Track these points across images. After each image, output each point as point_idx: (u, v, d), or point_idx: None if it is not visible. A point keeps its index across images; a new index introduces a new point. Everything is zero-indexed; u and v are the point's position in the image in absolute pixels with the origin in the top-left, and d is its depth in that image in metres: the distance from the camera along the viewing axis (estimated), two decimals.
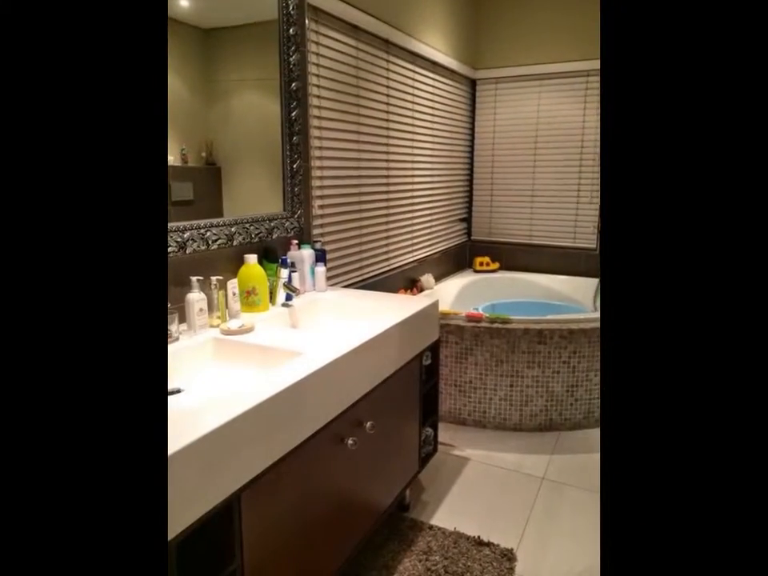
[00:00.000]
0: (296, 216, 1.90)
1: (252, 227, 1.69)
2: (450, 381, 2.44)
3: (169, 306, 1.32)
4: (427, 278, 2.92)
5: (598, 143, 3.16)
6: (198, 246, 1.49)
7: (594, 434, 2.39)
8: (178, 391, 1.18)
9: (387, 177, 2.54)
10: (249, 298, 1.57)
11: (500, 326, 2.32)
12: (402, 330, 1.53)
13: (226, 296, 1.48)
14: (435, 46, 2.87)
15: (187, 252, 1.46)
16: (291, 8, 1.77)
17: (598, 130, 3.14)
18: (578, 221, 3.32)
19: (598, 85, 3.10)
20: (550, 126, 3.29)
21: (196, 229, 1.49)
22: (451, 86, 3.14)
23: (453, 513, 1.84)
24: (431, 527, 1.75)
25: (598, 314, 2.48)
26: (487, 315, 2.37)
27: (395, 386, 1.55)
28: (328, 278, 2.04)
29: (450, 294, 3.12)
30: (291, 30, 1.78)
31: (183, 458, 0.83)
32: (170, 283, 1.42)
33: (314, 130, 1.97)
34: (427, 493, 1.96)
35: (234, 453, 0.94)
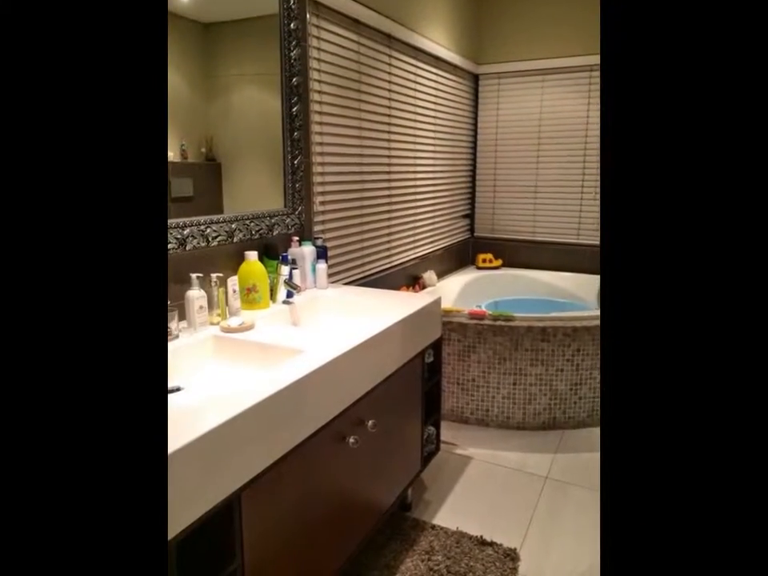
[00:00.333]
0: (297, 212, 1.88)
1: (252, 224, 1.68)
2: (453, 379, 2.42)
3: (168, 303, 1.31)
4: (429, 275, 2.91)
5: None
6: (198, 243, 1.48)
7: (598, 432, 2.37)
8: (178, 389, 1.17)
9: (389, 173, 2.52)
10: (249, 296, 1.56)
11: (503, 323, 2.31)
12: (403, 327, 1.52)
13: (226, 293, 1.47)
14: (437, 41, 2.84)
15: (187, 249, 1.44)
16: (292, 2, 1.75)
17: None
18: (581, 217, 3.30)
19: None
20: (554, 122, 3.26)
21: (196, 225, 1.47)
22: (454, 81, 3.12)
23: (455, 512, 1.83)
24: (433, 527, 1.74)
25: None
26: (490, 312, 2.35)
27: (397, 384, 1.54)
28: (329, 275, 2.03)
29: (452, 291, 3.11)
30: (292, 25, 1.76)
31: (183, 457, 0.83)
32: (170, 280, 1.41)
33: (315, 126, 1.96)
34: (429, 492, 1.95)
35: (234, 452, 0.93)
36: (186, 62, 1.44)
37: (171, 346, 1.24)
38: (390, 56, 2.42)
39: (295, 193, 1.87)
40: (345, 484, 1.32)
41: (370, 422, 1.37)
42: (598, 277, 3.25)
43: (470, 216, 3.62)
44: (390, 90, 2.44)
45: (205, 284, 1.42)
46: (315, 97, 1.95)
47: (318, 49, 1.94)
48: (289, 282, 1.61)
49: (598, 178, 3.21)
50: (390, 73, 2.43)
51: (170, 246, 1.39)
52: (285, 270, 1.66)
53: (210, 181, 1.55)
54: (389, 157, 2.50)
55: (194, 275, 1.37)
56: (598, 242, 3.30)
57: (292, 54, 1.78)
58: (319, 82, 1.96)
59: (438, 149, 3.02)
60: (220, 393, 1.06)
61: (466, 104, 3.33)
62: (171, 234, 1.40)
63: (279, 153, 1.80)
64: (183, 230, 1.43)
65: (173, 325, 1.28)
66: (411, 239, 2.81)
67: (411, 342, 1.58)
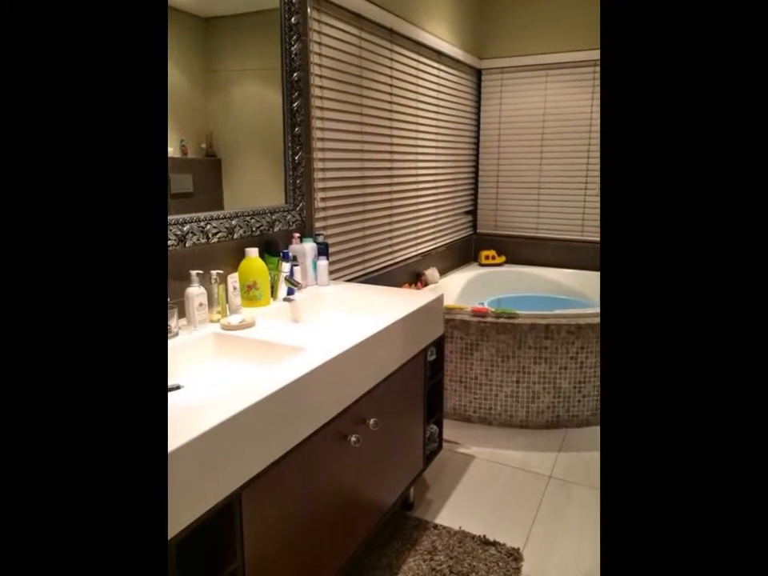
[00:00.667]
0: (298, 209, 1.87)
1: (253, 220, 1.66)
2: (455, 377, 2.41)
3: (168, 300, 1.30)
4: (432, 272, 2.90)
5: None
6: (198, 240, 1.46)
7: None
8: (178, 387, 1.16)
9: (391, 169, 2.50)
10: (250, 293, 1.55)
11: (506, 320, 2.29)
12: (405, 325, 1.50)
13: (226, 290, 1.45)
14: (440, 36, 2.82)
15: (187, 245, 1.43)
16: None
17: None
18: (585, 213, 3.28)
19: None
20: (557, 117, 3.24)
21: (196, 222, 1.46)
22: (456, 75, 3.09)
23: (458, 511, 1.82)
24: (436, 526, 1.73)
25: None
26: (493, 310, 2.34)
27: (399, 382, 1.53)
28: (330, 272, 2.01)
29: (455, 288, 3.09)
30: (293, 19, 1.74)
31: (183, 455, 0.82)
32: (170, 277, 1.40)
33: (315, 121, 1.94)
34: (432, 491, 1.94)
35: (234, 451, 0.93)
36: (186, 57, 1.42)
37: (171, 343, 1.24)
38: (392, 51, 2.40)
39: (296, 189, 1.85)
40: (346, 483, 1.31)
41: (372, 421, 1.36)
42: None
43: (473, 212, 3.60)
44: (391, 86, 2.43)
45: (205, 281, 1.41)
46: (316, 92, 1.93)
47: (319, 44, 1.92)
48: (290, 279, 1.59)
49: None
50: (391, 68, 2.41)
51: (169, 242, 1.38)
52: (286, 266, 1.65)
53: (210, 177, 1.54)
54: (390, 153, 2.48)
55: (193, 272, 1.36)
56: None
57: (293, 48, 1.76)
58: (320, 77, 1.94)
59: (440, 144, 3.00)
60: (220, 391, 1.05)
61: (468, 99, 3.31)
62: (171, 230, 1.39)
63: (280, 148, 1.79)
64: (183, 226, 1.42)
65: (172, 322, 1.27)
66: (413, 236, 2.80)
67: (413, 339, 1.57)
